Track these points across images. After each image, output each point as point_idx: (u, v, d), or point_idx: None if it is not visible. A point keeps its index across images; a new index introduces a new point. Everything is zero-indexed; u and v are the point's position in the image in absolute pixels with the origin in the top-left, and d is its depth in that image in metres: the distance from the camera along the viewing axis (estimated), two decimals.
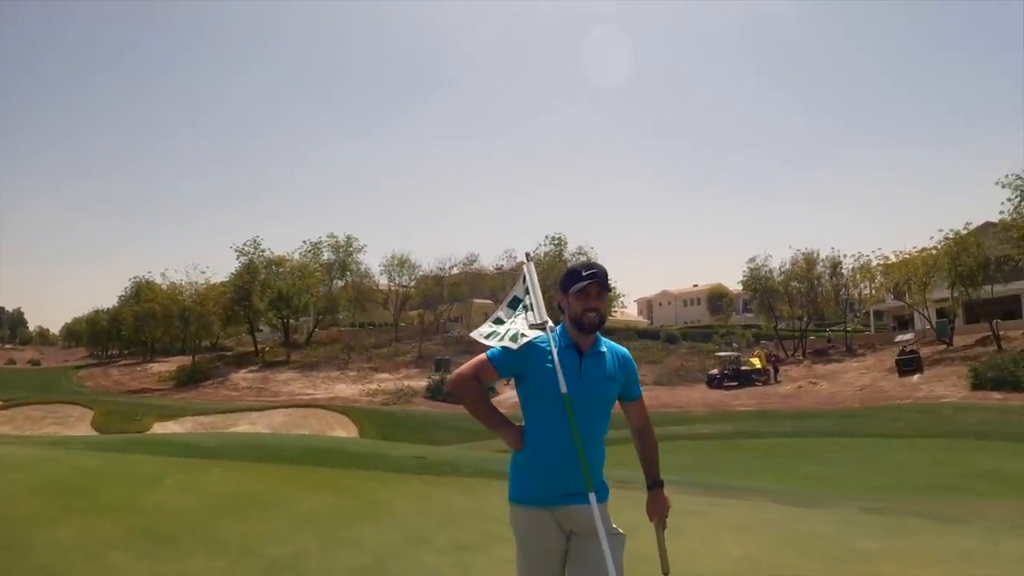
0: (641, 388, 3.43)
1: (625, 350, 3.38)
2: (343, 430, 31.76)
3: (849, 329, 61.05)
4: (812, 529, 7.74)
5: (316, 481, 9.44)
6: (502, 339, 3.22)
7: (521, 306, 3.45)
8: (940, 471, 16.59)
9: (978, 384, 35.23)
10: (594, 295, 3.17)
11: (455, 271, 73.05)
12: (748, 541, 7.07)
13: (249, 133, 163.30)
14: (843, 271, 58.62)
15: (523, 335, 3.19)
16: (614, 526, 3.07)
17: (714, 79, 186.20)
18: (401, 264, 71.99)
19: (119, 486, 8.64)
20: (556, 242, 65.83)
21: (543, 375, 3.10)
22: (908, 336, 49.42)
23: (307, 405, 40.50)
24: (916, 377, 40.60)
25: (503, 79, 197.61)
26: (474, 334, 3.43)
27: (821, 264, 58.95)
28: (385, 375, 56.51)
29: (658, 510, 3.30)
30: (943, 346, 46.91)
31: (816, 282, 58.92)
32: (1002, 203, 44.15)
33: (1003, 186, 43.17)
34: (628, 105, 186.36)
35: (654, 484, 3.32)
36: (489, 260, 74.32)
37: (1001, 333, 43.21)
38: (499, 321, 3.42)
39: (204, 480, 9.31)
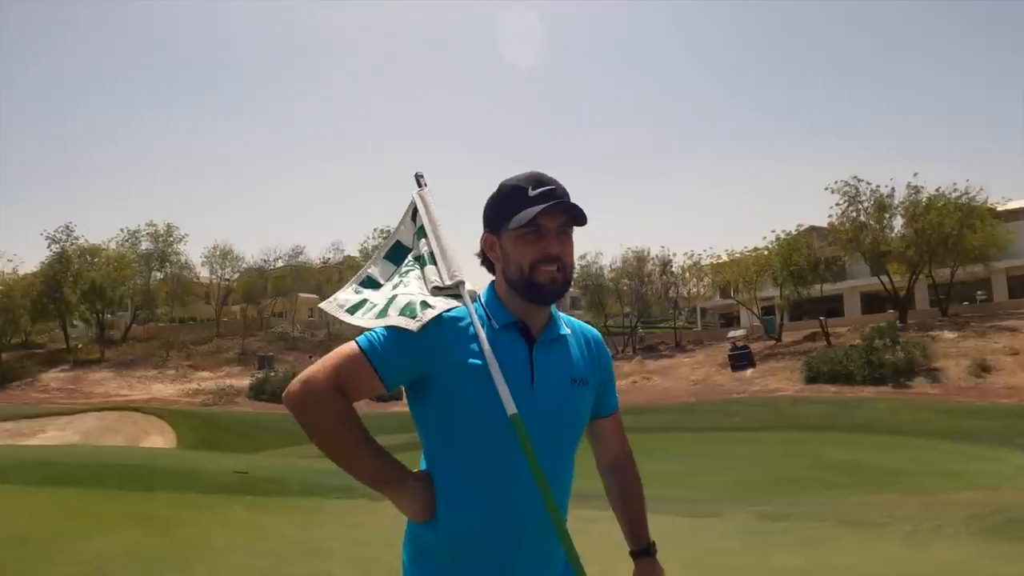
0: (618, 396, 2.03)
1: (595, 331, 1.96)
2: (160, 436, 28.99)
3: (677, 326, 62.44)
4: (715, 545, 6.77)
5: (114, 512, 7.67)
6: (383, 314, 1.68)
7: (412, 257, 1.91)
8: (791, 464, 16.52)
9: (812, 377, 36.27)
10: (553, 231, 1.69)
11: (280, 264, 69.38)
12: None
13: (62, 109, 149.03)
14: (673, 269, 60.03)
15: (427, 305, 1.66)
16: None
17: (558, 74, 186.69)
18: (224, 256, 68.00)
19: None
20: (385, 235, 63.50)
21: (468, 380, 1.62)
22: (740, 332, 50.86)
23: (122, 408, 37.44)
24: (749, 371, 41.60)
25: (336, 66, 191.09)
26: (326, 305, 1.84)
27: (652, 262, 60.01)
28: (206, 373, 53.48)
29: None
30: (772, 342, 48.48)
31: (646, 280, 59.93)
32: (831, 207, 47.14)
33: (832, 191, 46.70)
34: (453, 96, 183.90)
35: (644, 552, 1.92)
36: (316, 253, 71.27)
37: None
38: (371, 283, 1.87)
39: None
